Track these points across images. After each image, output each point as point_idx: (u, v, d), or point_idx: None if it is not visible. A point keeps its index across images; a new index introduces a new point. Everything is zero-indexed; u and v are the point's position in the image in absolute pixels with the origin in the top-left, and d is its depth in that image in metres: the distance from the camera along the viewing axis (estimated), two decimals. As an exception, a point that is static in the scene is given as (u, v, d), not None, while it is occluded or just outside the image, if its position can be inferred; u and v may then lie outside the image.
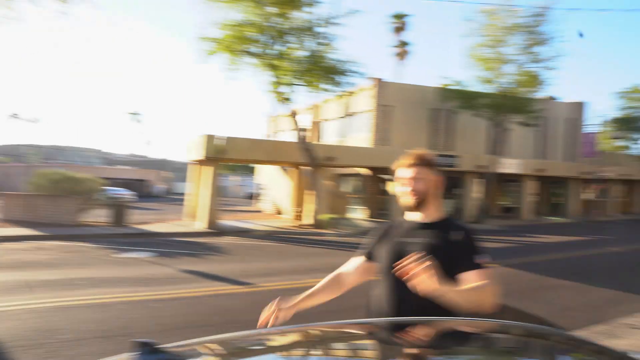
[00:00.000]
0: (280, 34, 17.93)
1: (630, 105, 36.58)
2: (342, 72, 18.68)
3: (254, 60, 18.10)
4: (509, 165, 27.31)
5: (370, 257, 2.35)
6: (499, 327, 1.70)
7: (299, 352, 1.47)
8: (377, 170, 25.40)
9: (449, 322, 1.76)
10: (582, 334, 5.92)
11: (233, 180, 64.76)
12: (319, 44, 18.98)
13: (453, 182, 29.67)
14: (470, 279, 2.04)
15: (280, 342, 1.53)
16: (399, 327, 1.70)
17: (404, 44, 47.75)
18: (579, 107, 35.83)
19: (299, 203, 21.94)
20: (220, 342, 1.44)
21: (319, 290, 2.37)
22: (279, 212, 28.16)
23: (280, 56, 17.78)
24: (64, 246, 13.04)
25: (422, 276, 1.82)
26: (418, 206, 2.20)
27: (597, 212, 30.17)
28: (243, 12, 17.30)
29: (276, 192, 28.15)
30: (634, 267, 12.02)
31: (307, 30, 18.33)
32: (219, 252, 13.01)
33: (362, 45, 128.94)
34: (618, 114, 37.12)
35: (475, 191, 27.58)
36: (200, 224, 18.86)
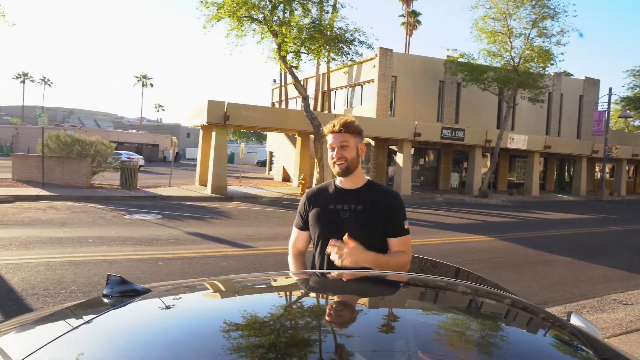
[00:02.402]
0: (284, 0, 17.76)
1: None
2: (348, 41, 18.53)
3: (258, 27, 18.01)
4: (517, 141, 27.15)
5: (304, 227, 2.40)
6: (441, 283, 1.84)
7: (244, 297, 1.58)
8: (381, 140, 25.42)
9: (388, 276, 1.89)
10: (570, 307, 6.13)
11: (246, 148, 65.02)
12: (324, 11, 18.79)
13: (460, 156, 29.66)
14: (396, 244, 2.25)
15: (228, 289, 1.66)
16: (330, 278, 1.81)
17: (413, 14, 46.86)
18: (592, 84, 35.26)
19: (305, 171, 22.12)
20: (188, 286, 1.63)
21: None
22: (287, 180, 28.41)
23: (284, 23, 17.64)
24: (75, 206, 13.40)
25: (346, 254, 2.02)
26: (345, 172, 2.26)
27: (605, 191, 30.04)
28: None
29: (285, 160, 28.35)
30: (633, 246, 12.12)
31: None
32: (224, 216, 13.29)
33: (371, 15, 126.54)
34: (629, 92, 36.35)
35: (481, 165, 27.53)
36: (209, 190, 19.18)
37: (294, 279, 1.89)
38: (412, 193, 23.52)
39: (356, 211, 2.24)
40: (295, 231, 2.46)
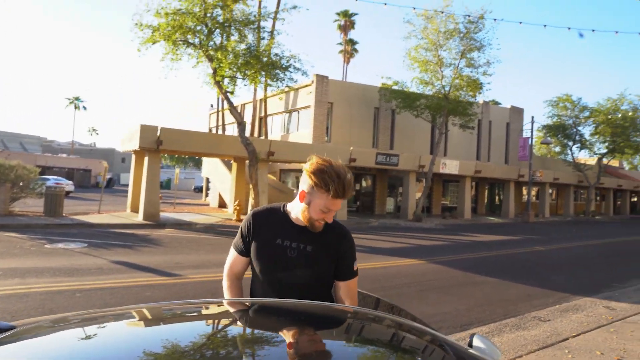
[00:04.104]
0: (220, 26, 17.77)
1: (558, 114, 38.46)
2: (283, 68, 18.69)
3: (193, 51, 17.88)
4: (449, 166, 28.21)
5: (244, 252, 2.17)
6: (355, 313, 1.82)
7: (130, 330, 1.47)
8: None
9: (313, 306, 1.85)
10: (494, 326, 6.31)
11: (182, 173, 63.58)
12: (261, 38, 18.96)
13: (395, 181, 30.42)
14: (342, 287, 2.13)
15: (124, 320, 1.55)
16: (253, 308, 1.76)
17: (350, 42, 48.26)
18: (517, 112, 37.51)
19: (241, 197, 21.87)
20: (62, 319, 1.51)
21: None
22: (222, 206, 27.95)
23: (220, 48, 17.60)
24: (-10, 235, 12.47)
25: None
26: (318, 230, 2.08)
27: (531, 213, 31.68)
28: (182, 0, 17.06)
29: (220, 186, 27.94)
30: (554, 265, 12.75)
31: (248, 23, 18.26)
32: (154, 244, 12.80)
33: (311, 42, 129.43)
34: (549, 121, 38.97)
35: (416, 190, 28.31)
36: (141, 216, 18.49)
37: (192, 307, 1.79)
38: (348, 218, 23.73)
39: (305, 252, 2.06)
40: (233, 253, 2.21)
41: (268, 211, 2.20)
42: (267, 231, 2.12)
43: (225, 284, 2.23)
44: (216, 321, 1.57)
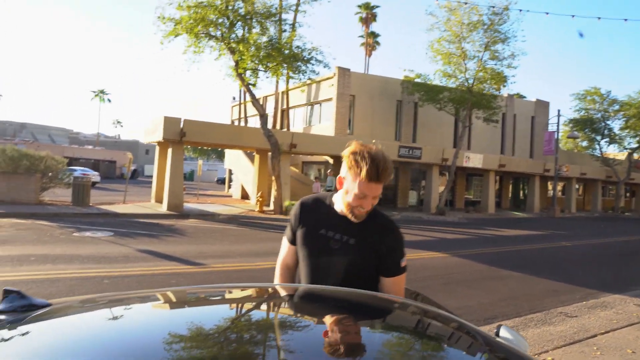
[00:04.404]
0: (242, 18, 17.79)
1: (585, 107, 37.54)
2: (305, 60, 18.66)
3: (215, 44, 17.96)
4: (472, 159, 27.88)
5: (293, 240, 2.15)
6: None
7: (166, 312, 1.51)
8: (340, 158, 25.59)
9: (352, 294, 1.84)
10: (519, 321, 6.23)
11: (204, 165, 64.22)
12: (282, 30, 18.94)
13: (418, 174, 30.21)
14: (388, 284, 2.02)
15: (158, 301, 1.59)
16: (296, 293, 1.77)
17: (372, 35, 47.88)
18: (542, 106, 36.80)
19: (263, 189, 21.99)
20: (99, 299, 1.55)
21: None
22: (245, 197, 28.16)
23: (242, 40, 17.63)
24: (20, 224, 12.81)
25: None
26: (359, 219, 1.98)
27: (557, 208, 31.14)
28: None
29: (243, 177, 28.14)
30: (580, 261, 12.53)
31: (270, 15, 18.26)
32: (178, 234, 12.98)
33: (332, 35, 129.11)
34: (576, 114, 38.10)
35: (439, 183, 28.09)
36: (165, 207, 18.76)
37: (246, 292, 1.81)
38: (371, 210, 23.65)
39: (347, 244, 1.98)
40: (285, 243, 2.19)
41: (315, 200, 2.15)
42: (312, 220, 2.08)
43: (277, 274, 2.22)
44: (245, 305, 1.58)
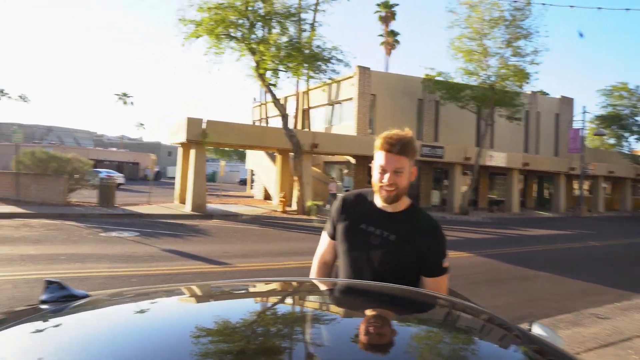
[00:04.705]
0: (262, 19, 17.86)
1: (612, 103, 36.66)
2: (326, 59, 18.64)
3: (236, 45, 18.06)
4: (495, 158, 27.49)
5: (333, 235, 2.14)
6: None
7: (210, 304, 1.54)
8: (361, 158, 25.53)
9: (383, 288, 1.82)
10: (548, 321, 6.11)
11: (227, 166, 64.76)
12: (302, 30, 18.95)
13: (440, 173, 29.93)
14: (429, 285, 1.99)
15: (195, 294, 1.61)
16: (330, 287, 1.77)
17: (392, 33, 47.55)
18: (567, 102, 36.04)
19: (286, 189, 22.04)
20: (134, 292, 1.57)
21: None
22: (267, 198, 28.28)
23: (262, 41, 17.71)
24: (50, 224, 13.09)
25: None
26: (392, 201, 1.96)
27: (584, 207, 30.50)
28: None
29: (265, 178, 28.26)
30: (610, 261, 12.25)
31: (289, 15, 18.29)
32: (202, 234, 13.11)
33: (352, 34, 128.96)
34: (603, 111, 37.25)
35: (462, 183, 27.77)
36: (188, 207, 18.95)
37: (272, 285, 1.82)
38: (393, 210, 23.53)
39: (387, 240, 1.96)
40: (324, 237, 2.19)
41: (357, 196, 2.14)
42: (353, 215, 2.06)
43: (313, 269, 2.22)
44: (278, 298, 1.59)
